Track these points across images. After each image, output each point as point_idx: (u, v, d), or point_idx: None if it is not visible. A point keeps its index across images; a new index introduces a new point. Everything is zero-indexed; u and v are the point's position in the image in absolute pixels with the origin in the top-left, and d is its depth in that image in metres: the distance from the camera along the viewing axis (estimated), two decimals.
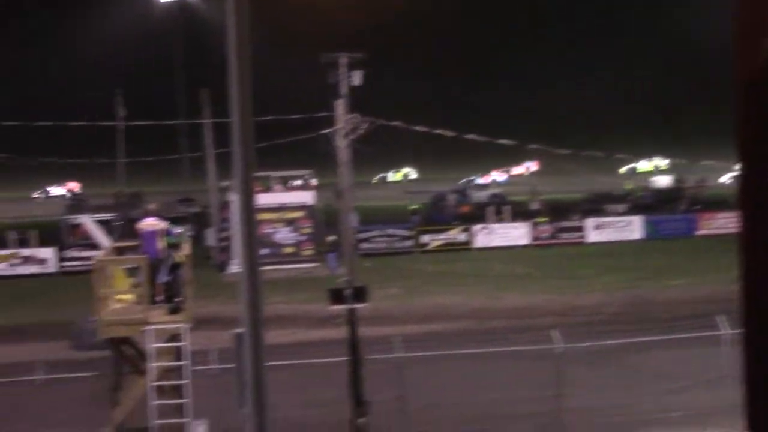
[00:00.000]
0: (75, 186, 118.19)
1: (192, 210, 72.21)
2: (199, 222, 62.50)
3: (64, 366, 28.32)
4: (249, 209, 10.26)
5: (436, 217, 65.33)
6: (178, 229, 22.04)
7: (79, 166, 76.24)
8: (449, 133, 22.52)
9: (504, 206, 63.16)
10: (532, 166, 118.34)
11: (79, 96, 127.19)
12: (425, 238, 58.10)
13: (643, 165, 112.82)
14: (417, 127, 22.16)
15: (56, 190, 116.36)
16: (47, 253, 54.84)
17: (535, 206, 66.52)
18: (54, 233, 59.29)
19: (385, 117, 19.82)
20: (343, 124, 19.81)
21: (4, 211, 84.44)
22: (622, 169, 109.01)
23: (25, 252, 54.69)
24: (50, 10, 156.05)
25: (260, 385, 10.26)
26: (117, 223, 55.17)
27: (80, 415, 23.49)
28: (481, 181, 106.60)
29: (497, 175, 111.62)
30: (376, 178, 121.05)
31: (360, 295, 20.27)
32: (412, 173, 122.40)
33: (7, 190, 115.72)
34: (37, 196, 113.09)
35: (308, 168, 54.92)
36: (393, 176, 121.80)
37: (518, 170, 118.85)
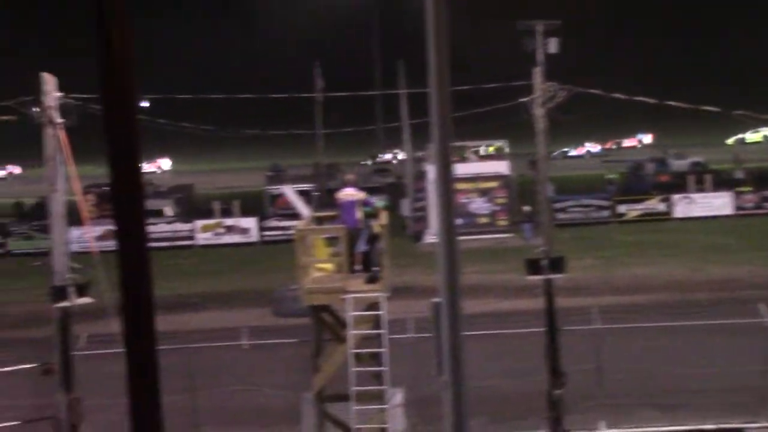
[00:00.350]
0: (163, 163, 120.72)
1: (387, 180, 73.12)
2: (395, 192, 63.23)
3: (267, 332, 29.31)
4: (446, 179, 10.26)
5: (633, 186, 63.83)
6: (375, 200, 22.37)
7: (278, 137, 78.31)
8: (649, 101, 21.94)
9: (705, 175, 61.16)
10: (645, 137, 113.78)
11: (277, 68, 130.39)
12: (622, 208, 56.97)
13: (751, 135, 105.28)
14: (616, 95, 21.66)
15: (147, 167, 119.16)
16: (249, 222, 56.64)
17: (738, 175, 64.02)
18: (255, 203, 61.24)
19: (582, 85, 19.45)
20: (540, 92, 19.54)
21: (210, 182, 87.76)
22: (730, 140, 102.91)
23: (229, 221, 56.65)
24: None
25: (458, 354, 10.29)
26: (315, 194, 56.50)
27: (284, 379, 24.24)
28: (574, 153, 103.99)
29: (590, 147, 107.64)
30: (466, 153, 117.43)
31: (557, 265, 20.01)
32: (506, 147, 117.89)
33: (213, 161, 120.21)
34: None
35: (503, 137, 54.61)
36: (486, 150, 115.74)
37: (630, 143, 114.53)
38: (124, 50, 4.23)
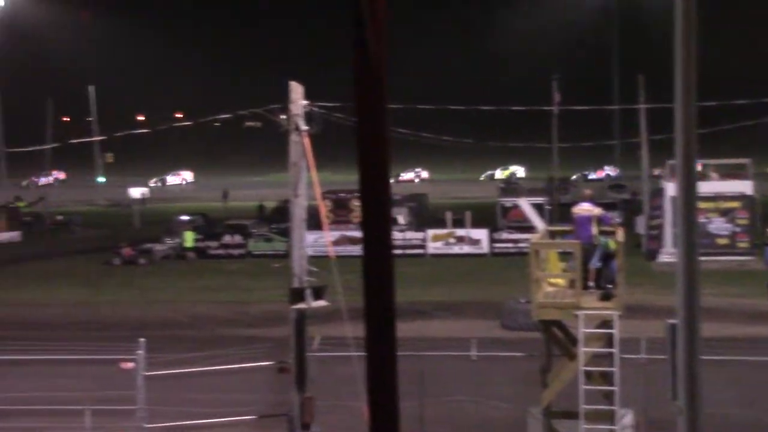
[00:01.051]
0: (188, 175, 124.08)
1: (622, 196, 71.78)
2: (630, 209, 61.97)
3: (495, 344, 29.30)
4: (689, 198, 9.96)
5: None
6: (612, 216, 21.99)
7: (516, 149, 78.57)
8: None
9: None
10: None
11: (516, 80, 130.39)
12: None
13: None
14: None
15: (172, 179, 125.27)
16: (480, 233, 56.77)
17: None
18: (487, 214, 61.37)
19: None
20: None
21: (445, 192, 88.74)
22: None
23: (460, 232, 56.96)
24: None
25: (694, 378, 9.96)
26: (548, 207, 56.10)
27: (511, 392, 24.17)
28: (594, 176, 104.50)
29: (610, 170, 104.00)
30: (483, 176, 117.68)
31: None
32: (520, 171, 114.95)
33: (447, 171, 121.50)
34: (153, 184, 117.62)
35: (750, 156, 52.48)
36: (500, 174, 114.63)
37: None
38: (379, 63, 4.32)
